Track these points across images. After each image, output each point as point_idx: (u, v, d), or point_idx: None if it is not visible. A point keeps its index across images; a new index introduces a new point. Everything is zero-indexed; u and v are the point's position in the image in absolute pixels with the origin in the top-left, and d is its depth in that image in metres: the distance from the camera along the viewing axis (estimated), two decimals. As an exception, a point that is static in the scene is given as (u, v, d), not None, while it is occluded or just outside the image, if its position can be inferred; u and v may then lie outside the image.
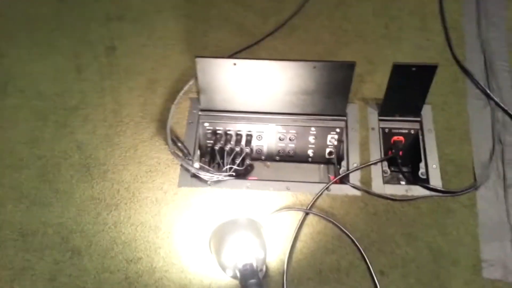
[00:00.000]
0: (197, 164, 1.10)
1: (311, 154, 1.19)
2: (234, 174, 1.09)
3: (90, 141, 1.16)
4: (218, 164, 1.15)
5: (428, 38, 1.31)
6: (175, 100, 1.19)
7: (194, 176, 1.08)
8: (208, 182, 1.07)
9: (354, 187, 1.07)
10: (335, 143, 1.17)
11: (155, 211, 1.05)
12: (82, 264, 0.98)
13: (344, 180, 1.09)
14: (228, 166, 1.10)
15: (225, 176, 1.08)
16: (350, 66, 1.06)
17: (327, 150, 1.18)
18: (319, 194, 1.06)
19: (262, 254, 0.85)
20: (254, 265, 0.81)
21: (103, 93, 1.24)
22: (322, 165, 1.21)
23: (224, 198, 1.07)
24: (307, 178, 1.18)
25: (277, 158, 1.21)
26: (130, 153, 1.13)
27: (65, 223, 1.04)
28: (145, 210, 1.05)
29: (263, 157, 1.21)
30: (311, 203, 1.05)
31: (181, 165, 1.10)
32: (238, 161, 1.13)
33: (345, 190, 1.07)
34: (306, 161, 1.21)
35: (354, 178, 1.09)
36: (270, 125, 1.16)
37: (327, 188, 1.07)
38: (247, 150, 1.15)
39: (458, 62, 1.26)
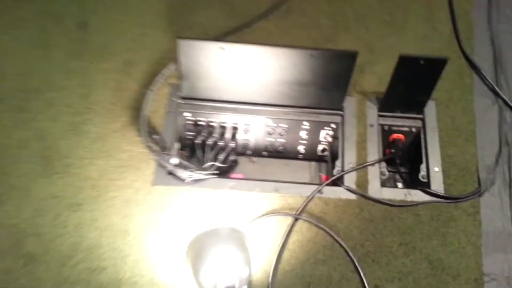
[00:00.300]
0: (174, 160, 0.97)
1: (302, 151, 1.07)
2: (216, 172, 0.96)
3: (52, 130, 1.01)
4: (198, 159, 1.02)
5: (434, 28, 1.19)
6: (153, 86, 1.05)
7: (171, 173, 0.95)
8: (187, 181, 0.95)
9: (349, 190, 0.96)
10: (330, 139, 1.05)
11: (124, 213, 0.92)
12: (38, 273, 0.85)
13: (338, 181, 0.97)
14: (210, 163, 0.97)
15: (207, 174, 0.95)
16: (352, 56, 0.94)
17: (320, 147, 1.06)
18: (310, 197, 0.94)
19: (246, 272, 0.74)
20: (237, 286, 0.69)
21: (71, 75, 1.09)
22: (313, 163, 1.09)
23: (205, 199, 0.94)
24: (297, 177, 1.06)
25: (265, 153, 1.09)
26: (98, 145, 1.00)
27: (20, 224, 0.90)
28: (113, 211, 0.92)
29: (249, 152, 1.08)
30: (301, 207, 0.93)
31: (157, 161, 0.96)
32: (221, 157, 1.00)
33: (339, 193, 0.96)
34: (296, 158, 1.09)
35: (349, 179, 0.98)
36: (258, 117, 1.03)
37: (319, 191, 0.95)
38: (232, 144, 1.02)
39: (465, 55, 1.15)
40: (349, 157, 1.00)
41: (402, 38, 1.17)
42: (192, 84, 1.01)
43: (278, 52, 0.94)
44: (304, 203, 0.94)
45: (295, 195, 0.95)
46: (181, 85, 1.02)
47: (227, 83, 1.00)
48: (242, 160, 1.08)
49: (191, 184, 0.95)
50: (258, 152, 1.08)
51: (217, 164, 0.98)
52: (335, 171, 1.00)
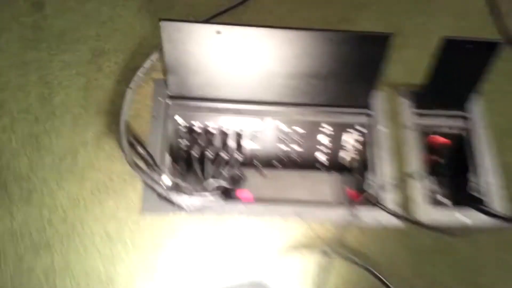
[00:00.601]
0: (166, 179, 0.76)
1: (321, 160, 0.88)
2: (222, 193, 0.76)
3: (6, 144, 0.78)
4: (197, 176, 0.81)
5: (471, 4, 1.00)
6: (132, 82, 0.83)
7: (163, 198, 0.74)
8: (183, 206, 0.74)
9: (390, 212, 0.77)
10: (356, 145, 0.86)
11: (106, 254, 0.71)
12: None
13: (372, 200, 0.79)
14: (213, 182, 0.77)
15: (211, 198, 0.75)
16: (384, 39, 0.75)
17: (343, 154, 0.87)
18: (343, 224, 0.76)
19: None
20: None
21: (26, 70, 0.85)
22: (335, 174, 0.90)
23: (208, 231, 0.74)
24: (318, 192, 0.87)
25: (276, 164, 0.89)
26: (66, 162, 0.77)
27: (-36, 278, 0.68)
28: (92, 252, 0.71)
29: (257, 164, 0.88)
30: (334, 239, 0.74)
31: (144, 182, 0.75)
32: (225, 171, 0.80)
33: (377, 216, 0.77)
34: (314, 168, 0.89)
35: (388, 198, 0.79)
36: (267, 119, 0.83)
37: (352, 214, 0.76)
38: (239, 156, 0.81)
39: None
40: (384, 168, 0.81)
41: (433, 16, 0.98)
42: (181, 79, 0.80)
43: (290, 36, 0.74)
44: (337, 233, 0.75)
45: (323, 221, 0.76)
46: (168, 80, 0.80)
47: (226, 77, 0.79)
48: (249, 173, 0.88)
49: (189, 211, 0.74)
50: (268, 163, 0.88)
51: (221, 182, 0.78)
52: (367, 186, 0.81)
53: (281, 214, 0.76)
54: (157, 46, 0.85)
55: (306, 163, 0.88)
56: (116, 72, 0.87)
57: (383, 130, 0.84)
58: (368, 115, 0.84)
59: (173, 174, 0.82)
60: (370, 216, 0.77)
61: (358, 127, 0.84)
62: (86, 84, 0.85)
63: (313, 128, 0.84)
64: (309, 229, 0.75)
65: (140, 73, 0.84)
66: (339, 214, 0.76)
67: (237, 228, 0.74)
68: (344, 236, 0.75)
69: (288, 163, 0.88)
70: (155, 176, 0.76)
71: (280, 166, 0.88)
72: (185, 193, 0.73)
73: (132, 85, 0.83)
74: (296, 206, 0.77)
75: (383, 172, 0.81)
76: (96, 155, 0.78)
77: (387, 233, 0.76)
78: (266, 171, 0.88)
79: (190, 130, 0.83)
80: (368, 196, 0.79)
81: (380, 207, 0.77)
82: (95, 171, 0.77)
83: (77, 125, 0.81)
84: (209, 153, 0.80)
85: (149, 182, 0.74)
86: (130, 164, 0.75)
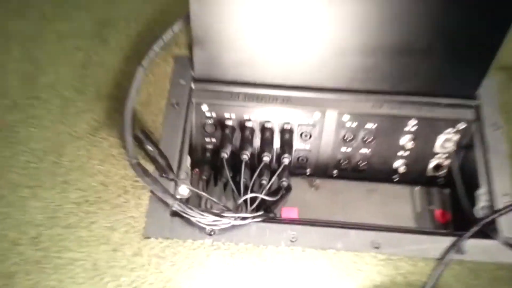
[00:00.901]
0: (184, 190, 0.53)
1: (401, 169, 0.63)
2: (263, 213, 0.52)
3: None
4: (228, 187, 0.58)
5: None
6: (144, 59, 0.60)
7: (178, 215, 0.51)
8: (208, 230, 0.50)
9: (509, 244, 0.51)
10: (453, 149, 0.60)
11: (91, 297, 0.48)
12: None
13: (486, 230, 0.53)
14: (251, 196, 0.53)
15: (246, 218, 0.50)
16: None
17: (436, 162, 0.62)
18: (439, 261, 0.50)
19: None
20: None
21: (8, 44, 0.65)
22: (418, 189, 0.65)
23: (243, 267, 0.50)
24: (395, 214, 0.62)
25: (335, 172, 0.64)
26: (47, 163, 0.56)
27: None
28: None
29: (308, 171, 0.64)
30: (429, 283, 0.49)
31: (152, 193, 0.52)
32: (265, 180, 0.57)
33: (493, 252, 0.51)
34: (388, 180, 0.64)
35: (503, 223, 0.53)
36: (329, 113, 0.59)
37: (457, 249, 0.51)
38: (286, 160, 0.57)
39: None
40: (496, 181, 0.55)
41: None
42: (212, 57, 0.58)
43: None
44: (433, 275, 0.49)
45: (408, 256, 0.51)
46: (194, 57, 0.58)
47: (272, 54, 0.57)
48: (297, 183, 0.63)
49: (216, 236, 0.51)
50: (324, 171, 0.64)
51: (263, 196, 0.54)
52: (477, 211, 0.55)
53: (349, 244, 0.50)
54: (180, 13, 0.63)
55: (379, 173, 0.64)
56: (126, 46, 0.65)
57: (495, 129, 0.58)
58: (474, 108, 0.59)
59: (194, 183, 0.59)
60: (482, 250, 0.51)
61: (459, 125, 0.59)
62: (84, 61, 0.64)
63: (394, 126, 0.60)
64: (390, 266, 0.49)
65: (156, 48, 0.62)
66: (435, 246, 0.51)
67: (284, 264, 0.50)
68: (444, 278, 0.49)
69: (352, 171, 0.63)
70: (169, 186, 0.53)
71: (341, 176, 0.63)
72: (210, 211, 0.50)
73: (144, 62, 0.60)
74: (366, 233, 0.51)
75: (496, 187, 0.55)
76: (89, 154, 0.56)
77: (506, 273, 0.49)
78: (320, 182, 0.63)
79: (221, 124, 0.61)
80: (472, 220, 0.53)
81: (492, 237, 0.51)
82: (85, 176, 0.54)
83: (67, 113, 0.59)
84: (246, 156, 0.56)
85: (160, 193, 0.51)
86: (134, 168, 0.52)
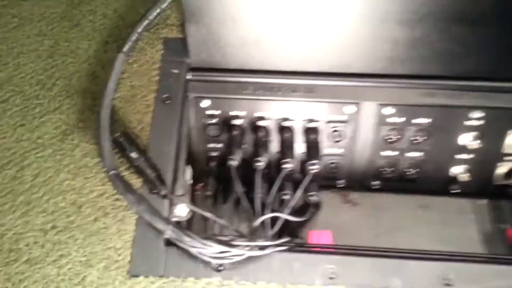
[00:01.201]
0: (183, 210, 0.46)
1: (461, 176, 0.55)
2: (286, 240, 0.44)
3: None
4: (237, 201, 0.51)
5: None
6: (126, 44, 0.54)
7: (174, 245, 0.43)
8: (215, 264, 0.43)
9: None
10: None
11: None
12: None
13: None
14: (269, 215, 0.45)
15: (271, 246, 0.43)
16: None
17: (505, 167, 0.54)
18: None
19: None
20: None
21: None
22: (483, 202, 0.57)
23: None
24: (458, 237, 0.54)
25: (375, 184, 0.57)
26: (5, 176, 0.49)
27: None
28: None
29: (341, 182, 0.57)
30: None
31: (139, 215, 0.45)
32: (288, 195, 0.49)
33: None
34: (445, 192, 0.57)
35: None
36: (365, 105, 0.52)
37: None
38: (315, 167, 0.49)
39: None
40: None
41: None
42: (211, 37, 0.51)
43: None
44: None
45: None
46: (188, 39, 0.52)
47: (291, 31, 0.50)
48: (327, 199, 0.56)
49: (226, 272, 0.43)
50: (361, 182, 0.57)
51: (287, 216, 0.46)
52: None
53: (407, 281, 0.42)
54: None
55: (433, 183, 0.56)
56: (103, 29, 0.58)
57: None
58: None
59: (195, 201, 0.51)
60: None
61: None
62: (51, 49, 0.57)
63: (452, 120, 0.52)
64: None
65: (140, 28, 0.55)
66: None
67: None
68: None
69: (398, 182, 0.56)
70: (161, 205, 0.45)
71: (384, 188, 0.56)
72: (216, 239, 0.42)
73: (126, 47, 0.54)
74: (430, 264, 0.43)
75: None
76: (58, 166, 0.49)
77: None
78: (357, 196, 0.56)
79: (227, 124, 0.53)
80: None
81: None
82: (53, 194, 0.47)
83: (30, 114, 0.53)
84: (261, 164, 0.49)
85: (148, 215, 0.43)
86: (112, 182, 0.45)
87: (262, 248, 0.43)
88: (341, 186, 0.57)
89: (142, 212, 0.43)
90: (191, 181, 0.53)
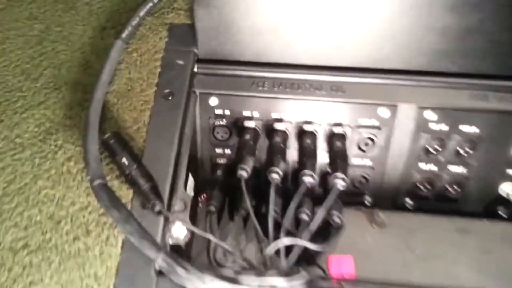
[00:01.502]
0: (180, 231, 0.35)
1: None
2: (310, 279, 0.33)
3: None
4: (245, 218, 0.40)
5: None
6: (125, 30, 0.43)
7: (165, 275, 0.33)
8: (216, 301, 0.32)
9: None
10: None
11: None
12: None
13: None
14: (286, 241, 0.35)
15: (281, 283, 0.32)
16: None
17: None
18: None
19: None
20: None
21: None
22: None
23: None
24: (509, 271, 0.42)
25: (408, 202, 0.46)
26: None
27: None
28: None
29: (367, 199, 0.46)
30: None
31: (127, 235, 0.34)
32: (307, 213, 0.39)
33: None
34: (490, 214, 0.45)
35: None
36: (402, 107, 0.41)
37: None
38: (341, 183, 0.39)
39: None
40: None
41: None
42: (224, 24, 0.41)
43: None
44: None
45: None
46: (197, 26, 0.41)
47: (316, 18, 0.39)
48: (350, 218, 0.45)
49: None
50: (391, 200, 0.46)
51: (306, 244, 0.36)
52: None
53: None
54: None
55: (477, 204, 0.45)
56: (101, 13, 0.48)
57: None
58: None
59: (196, 217, 0.41)
60: None
61: None
62: (41, 35, 0.47)
63: (505, 129, 0.41)
64: None
65: (143, 12, 0.45)
66: None
67: None
68: None
69: (436, 201, 0.45)
70: (155, 223, 0.35)
71: (418, 208, 0.45)
72: (218, 274, 0.31)
73: (125, 34, 0.43)
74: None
75: None
76: (36, 171, 0.39)
77: None
78: (386, 217, 0.45)
79: (238, 127, 0.43)
80: None
81: None
82: (27, 205, 0.37)
83: (10, 109, 0.43)
84: (277, 176, 0.39)
85: (137, 239, 0.33)
86: (96, 193, 0.35)
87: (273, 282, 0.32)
88: (367, 204, 0.46)
89: (129, 233, 0.33)
90: (193, 193, 0.42)
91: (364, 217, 0.47)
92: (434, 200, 0.45)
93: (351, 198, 0.45)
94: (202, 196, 0.45)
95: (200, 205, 0.44)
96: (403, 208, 0.46)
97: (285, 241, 0.35)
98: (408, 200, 0.45)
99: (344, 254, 0.42)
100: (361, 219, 0.47)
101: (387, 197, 0.45)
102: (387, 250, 0.45)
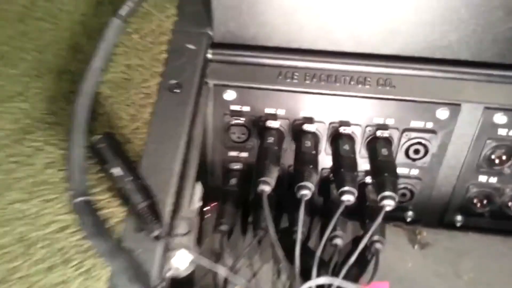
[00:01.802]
0: (182, 257, 0.26)
1: None
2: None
3: None
4: (259, 240, 0.31)
5: None
6: (123, 8, 0.33)
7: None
8: None
9: None
10: None
11: None
12: None
13: None
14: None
15: None
16: None
17: None
18: None
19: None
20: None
21: None
22: None
23: None
24: None
25: (459, 219, 0.36)
26: None
27: None
28: None
29: (410, 214, 0.36)
30: None
31: (113, 265, 0.25)
32: (340, 237, 0.29)
33: None
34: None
35: None
36: (466, 107, 0.31)
37: None
38: (391, 203, 0.29)
39: None
40: None
41: None
42: (244, 3, 0.30)
43: None
44: None
45: None
46: (212, 4, 0.31)
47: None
48: (388, 233, 0.35)
49: None
50: (438, 216, 0.36)
51: (342, 283, 0.26)
52: None
53: None
54: None
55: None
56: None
57: None
58: None
59: (202, 235, 0.32)
60: None
61: None
62: (24, 10, 0.37)
63: None
64: None
65: (145, -13, 0.35)
66: None
67: None
68: None
69: (493, 219, 0.35)
70: (151, 252, 0.26)
71: (469, 226, 0.35)
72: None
73: (124, 11, 0.33)
74: None
75: None
76: (9, 180, 0.29)
77: None
78: (430, 235, 0.35)
79: (259, 126, 0.33)
80: None
81: None
82: (-5, 222, 0.28)
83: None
84: (308, 192, 0.29)
85: (123, 278, 0.23)
86: (78, 212, 0.25)
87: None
88: (410, 220, 0.36)
89: (116, 271, 0.24)
90: (201, 203, 0.33)
91: (404, 235, 0.37)
92: (489, 217, 0.35)
93: (389, 212, 0.36)
94: (209, 206, 0.35)
95: (206, 215, 0.34)
96: (450, 225, 0.36)
97: (320, 280, 0.26)
98: (458, 217, 0.36)
99: (379, 280, 0.33)
100: (401, 238, 0.37)
101: (433, 212, 0.36)
102: (430, 276, 0.35)
